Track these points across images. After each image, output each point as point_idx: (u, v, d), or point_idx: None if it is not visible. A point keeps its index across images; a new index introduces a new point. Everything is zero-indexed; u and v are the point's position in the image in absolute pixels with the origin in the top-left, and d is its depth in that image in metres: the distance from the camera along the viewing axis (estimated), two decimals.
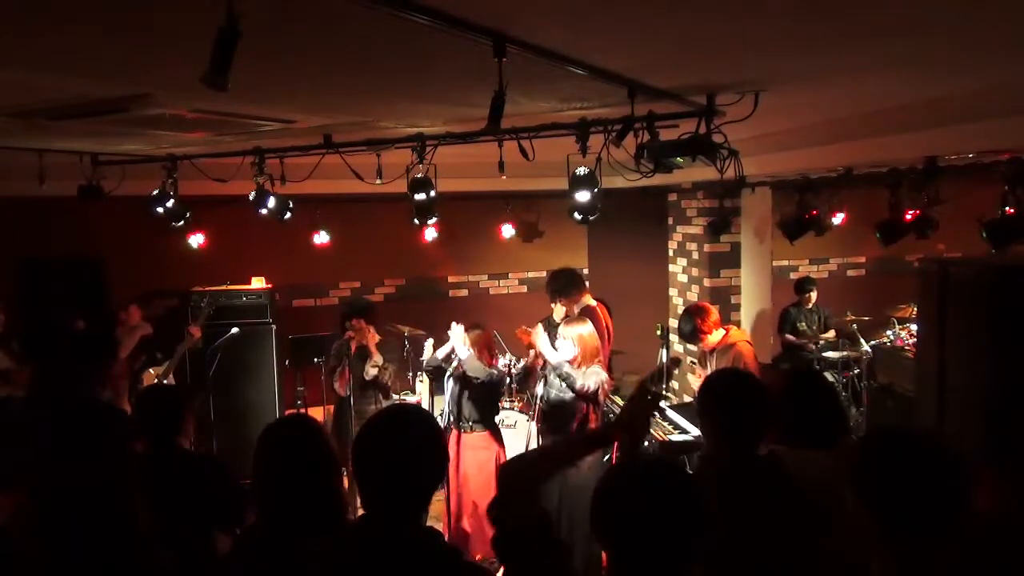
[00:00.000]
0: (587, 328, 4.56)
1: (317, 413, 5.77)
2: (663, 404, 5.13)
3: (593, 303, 5.68)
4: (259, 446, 2.22)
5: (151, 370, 5.65)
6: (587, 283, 5.87)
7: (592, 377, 4.39)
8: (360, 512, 1.96)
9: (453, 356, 5.05)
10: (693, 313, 4.92)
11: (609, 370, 5.63)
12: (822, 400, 2.54)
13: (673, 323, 7.60)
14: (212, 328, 6.07)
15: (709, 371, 4.81)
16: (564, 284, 5.60)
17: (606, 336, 5.55)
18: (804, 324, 7.52)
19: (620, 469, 1.85)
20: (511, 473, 2.02)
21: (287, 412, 6.62)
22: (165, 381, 5.54)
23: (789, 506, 2.21)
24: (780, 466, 2.31)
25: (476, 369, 4.66)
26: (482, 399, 4.86)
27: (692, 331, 4.87)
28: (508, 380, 6.59)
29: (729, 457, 2.32)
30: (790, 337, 7.48)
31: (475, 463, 4.83)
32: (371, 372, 5.38)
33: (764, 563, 2.15)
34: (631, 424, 2.15)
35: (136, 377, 5.53)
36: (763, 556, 2.15)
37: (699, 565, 1.65)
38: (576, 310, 5.57)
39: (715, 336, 4.86)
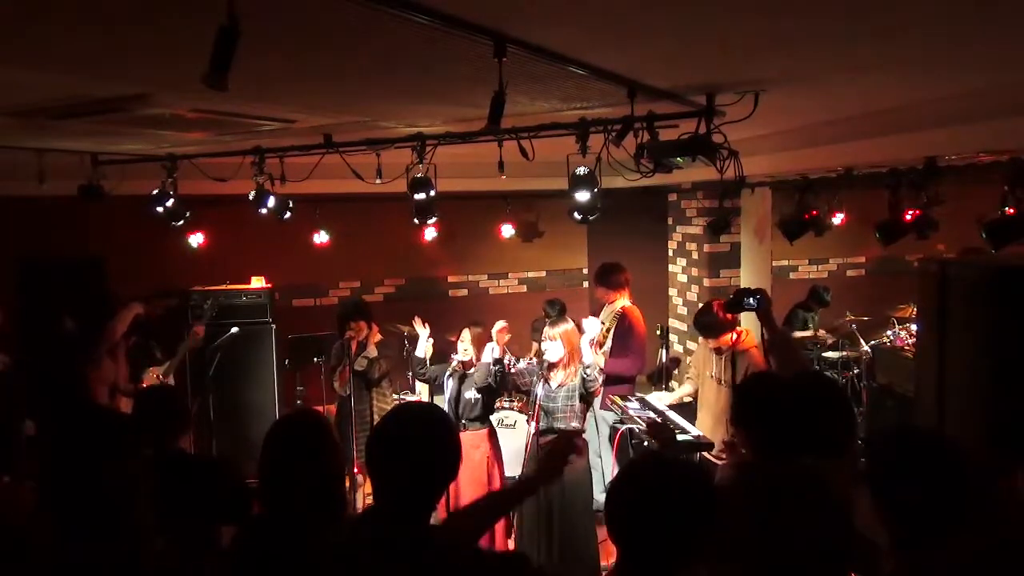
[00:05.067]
0: (570, 326, 4.67)
1: None
2: (663, 405, 5.12)
3: (629, 304, 5.73)
4: (268, 440, 2.23)
5: (152, 369, 5.64)
6: (625, 280, 5.89)
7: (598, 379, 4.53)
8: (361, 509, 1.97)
9: (453, 356, 5.07)
10: (712, 307, 4.79)
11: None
12: (835, 409, 2.43)
13: (673, 323, 7.61)
14: (212, 328, 6.07)
15: (711, 373, 4.77)
16: (602, 270, 5.88)
17: (646, 338, 5.63)
18: (812, 326, 7.58)
19: (632, 466, 1.87)
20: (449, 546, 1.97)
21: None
22: (167, 380, 5.54)
23: (827, 520, 2.17)
24: (819, 478, 2.25)
25: (482, 378, 4.78)
26: (480, 398, 4.89)
27: (712, 323, 4.66)
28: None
29: (770, 466, 2.26)
30: (798, 334, 7.47)
31: (470, 461, 4.87)
32: (361, 363, 5.40)
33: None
34: (547, 470, 2.40)
35: (136, 375, 5.52)
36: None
37: (704, 561, 1.67)
38: (614, 304, 5.66)
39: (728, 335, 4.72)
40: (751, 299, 3.80)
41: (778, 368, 3.54)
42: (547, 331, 4.65)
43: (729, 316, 4.53)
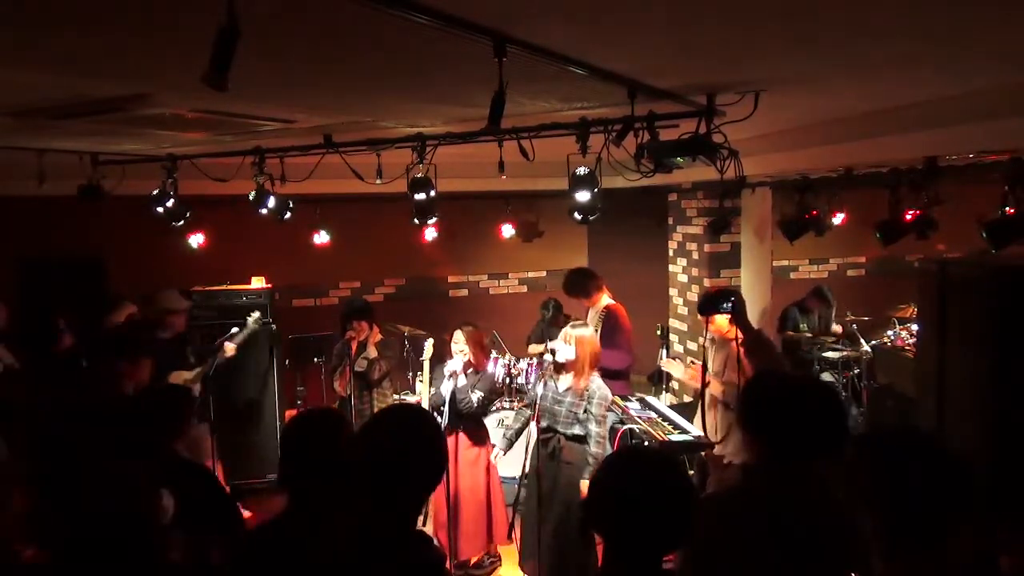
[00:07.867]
0: (589, 332, 4.56)
1: None
2: (663, 404, 5.12)
3: (613, 302, 5.72)
4: (288, 437, 2.25)
5: (180, 372, 5.55)
6: (601, 282, 5.89)
7: (596, 406, 4.45)
8: None
9: (451, 358, 5.05)
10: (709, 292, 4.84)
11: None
12: (834, 412, 2.36)
13: (673, 323, 7.61)
14: (212, 328, 6.07)
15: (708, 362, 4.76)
16: (575, 282, 5.81)
17: (630, 337, 5.61)
18: (804, 325, 7.53)
19: (615, 458, 1.91)
20: None
21: (293, 410, 6.63)
22: (193, 387, 5.45)
23: (832, 524, 2.17)
24: (822, 480, 2.25)
25: (467, 404, 4.77)
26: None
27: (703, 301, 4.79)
28: (508, 380, 6.62)
29: (778, 470, 2.22)
30: (790, 333, 7.47)
31: (466, 461, 4.91)
32: (362, 364, 5.40)
33: None
34: None
35: (162, 376, 5.43)
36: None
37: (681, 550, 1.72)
38: (597, 305, 5.63)
39: (720, 321, 4.68)
40: (726, 303, 3.82)
41: (756, 370, 3.55)
42: (566, 331, 4.55)
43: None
